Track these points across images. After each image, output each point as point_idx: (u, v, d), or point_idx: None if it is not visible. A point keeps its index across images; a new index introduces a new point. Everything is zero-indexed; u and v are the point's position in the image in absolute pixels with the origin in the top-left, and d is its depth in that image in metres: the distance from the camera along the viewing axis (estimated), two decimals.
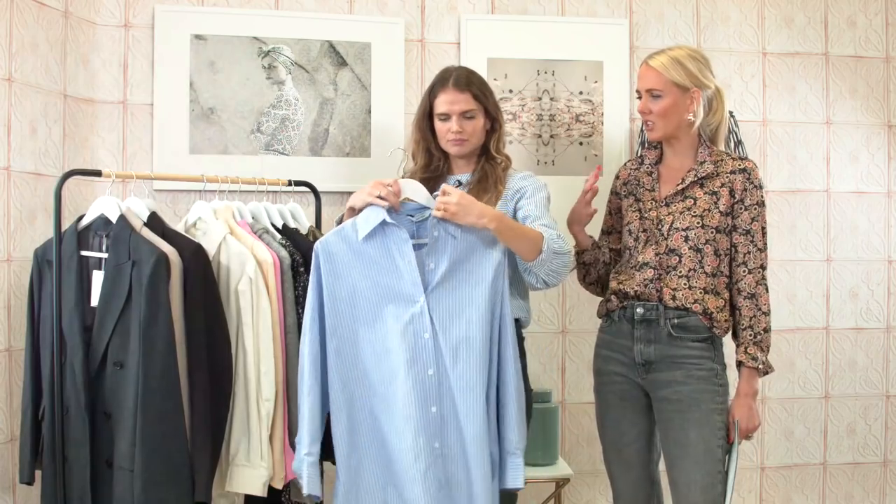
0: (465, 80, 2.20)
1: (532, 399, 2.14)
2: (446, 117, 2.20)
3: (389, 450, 1.97)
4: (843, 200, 3.19)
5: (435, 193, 2.02)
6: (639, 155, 2.46)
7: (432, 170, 2.27)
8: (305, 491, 1.98)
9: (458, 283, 2.00)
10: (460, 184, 2.24)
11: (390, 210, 1.99)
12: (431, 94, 2.23)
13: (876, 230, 3.21)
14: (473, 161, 2.27)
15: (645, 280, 2.23)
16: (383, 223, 1.98)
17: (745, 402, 2.20)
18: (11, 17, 2.43)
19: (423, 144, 2.27)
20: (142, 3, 2.82)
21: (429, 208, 2.02)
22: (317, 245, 2.02)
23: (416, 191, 2.04)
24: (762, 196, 2.24)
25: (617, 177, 2.44)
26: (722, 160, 2.27)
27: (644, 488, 2.32)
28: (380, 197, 1.98)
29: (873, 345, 3.22)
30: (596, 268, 2.42)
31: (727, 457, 2.19)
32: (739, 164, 2.25)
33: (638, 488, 2.32)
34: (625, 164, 2.45)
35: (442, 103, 2.20)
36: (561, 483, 2.73)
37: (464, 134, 2.19)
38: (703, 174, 2.24)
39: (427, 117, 2.25)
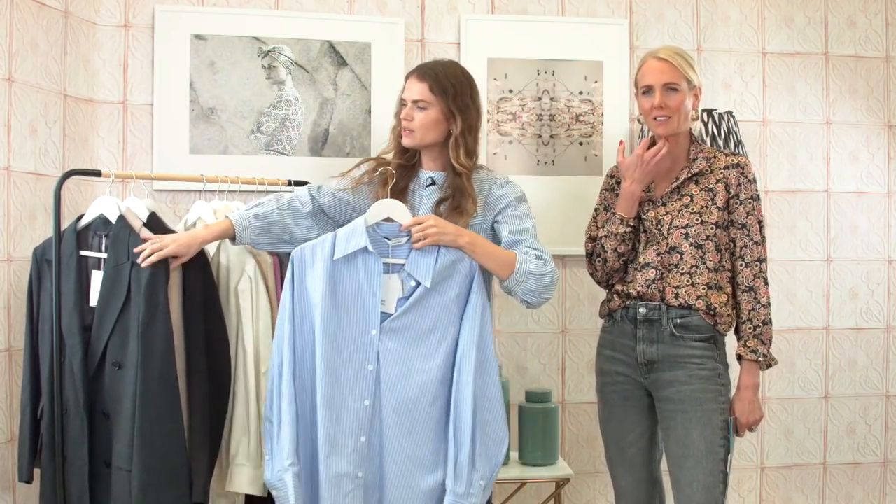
0: (428, 71, 2.17)
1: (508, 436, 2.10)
2: (404, 104, 2.19)
3: (317, 471, 1.96)
4: (843, 200, 3.19)
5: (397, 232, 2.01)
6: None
7: (407, 157, 2.24)
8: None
9: (414, 324, 2.01)
10: (433, 182, 2.22)
11: (371, 231, 2.00)
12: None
13: (876, 230, 3.21)
14: (441, 161, 2.22)
15: (647, 280, 2.23)
16: (363, 248, 1.99)
17: (745, 396, 2.21)
18: (11, 17, 2.43)
19: (396, 131, 2.23)
20: (142, 3, 2.82)
21: (406, 235, 2.02)
22: (294, 253, 2.02)
23: (396, 211, 2.03)
24: (757, 190, 2.26)
25: (611, 175, 2.42)
26: (714, 156, 2.28)
27: (646, 488, 2.32)
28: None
29: (873, 345, 3.21)
30: (614, 260, 2.30)
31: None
32: (733, 160, 2.26)
33: (640, 488, 2.32)
34: (617, 165, 2.38)
35: (404, 90, 2.20)
36: (561, 483, 2.73)
37: (412, 123, 2.16)
38: (697, 171, 2.25)
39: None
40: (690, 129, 2.30)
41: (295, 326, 1.98)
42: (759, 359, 2.20)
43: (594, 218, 2.43)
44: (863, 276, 3.20)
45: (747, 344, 2.21)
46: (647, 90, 2.23)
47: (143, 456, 2.00)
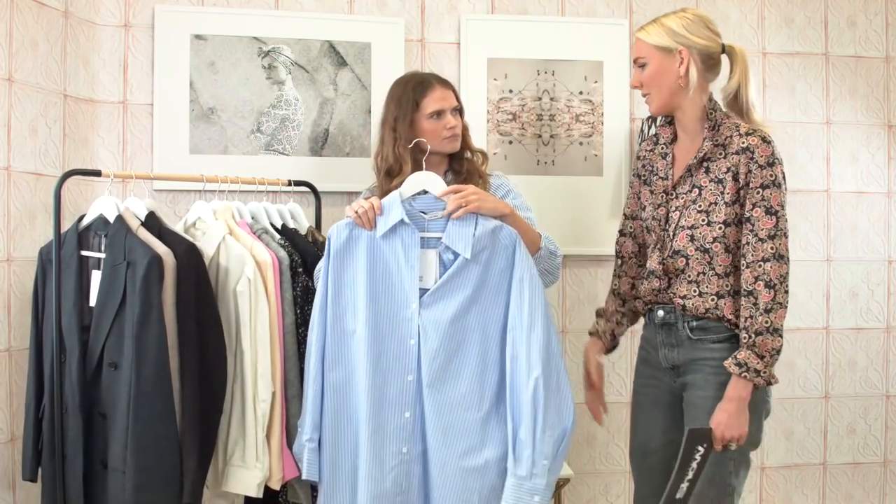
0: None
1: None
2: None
3: (360, 456, 1.96)
4: (843, 200, 3.19)
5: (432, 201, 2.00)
6: (653, 133, 2.25)
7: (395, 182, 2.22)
8: (304, 475, 2.01)
9: (454, 297, 1.96)
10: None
11: (406, 205, 1.98)
12: None
13: (876, 230, 3.21)
14: (440, 168, 2.27)
15: (653, 290, 2.12)
16: (400, 221, 1.96)
17: (726, 408, 1.96)
18: (11, 17, 2.43)
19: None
20: (142, 3, 2.82)
21: (442, 203, 1.98)
22: (332, 229, 2.02)
23: (431, 183, 2.01)
24: (771, 175, 1.97)
25: (638, 157, 2.27)
26: (730, 137, 2.01)
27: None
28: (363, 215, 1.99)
29: (873, 345, 3.21)
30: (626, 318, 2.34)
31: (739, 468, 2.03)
32: (743, 142, 1.98)
33: (658, 494, 2.16)
34: (641, 144, 2.29)
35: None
36: (561, 483, 2.73)
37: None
38: (702, 155, 2.03)
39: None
40: (708, 102, 2.06)
41: (328, 305, 1.99)
42: (746, 374, 1.93)
43: (627, 205, 2.33)
44: (863, 276, 3.20)
45: (738, 355, 1.95)
46: None
47: (136, 457, 1.99)
